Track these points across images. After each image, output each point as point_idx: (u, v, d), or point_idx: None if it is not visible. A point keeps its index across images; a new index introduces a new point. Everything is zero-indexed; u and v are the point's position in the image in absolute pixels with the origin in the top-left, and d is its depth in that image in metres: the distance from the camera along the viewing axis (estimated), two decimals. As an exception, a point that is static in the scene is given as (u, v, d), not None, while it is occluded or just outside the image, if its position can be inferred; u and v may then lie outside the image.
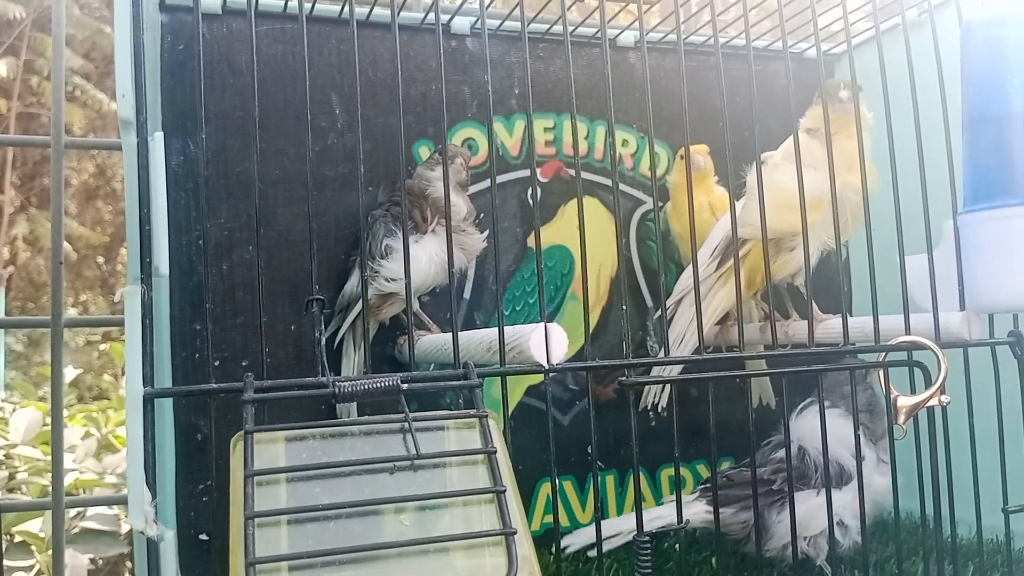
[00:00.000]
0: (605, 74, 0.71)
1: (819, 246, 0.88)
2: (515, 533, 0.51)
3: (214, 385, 0.57)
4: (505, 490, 0.52)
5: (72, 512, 1.94)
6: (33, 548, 1.84)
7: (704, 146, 1.04)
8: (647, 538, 0.62)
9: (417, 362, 0.90)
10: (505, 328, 0.65)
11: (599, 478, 1.06)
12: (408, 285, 0.63)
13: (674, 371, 0.91)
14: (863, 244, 0.80)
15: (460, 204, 0.93)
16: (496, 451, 0.54)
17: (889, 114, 0.76)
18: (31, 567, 1.84)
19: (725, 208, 0.98)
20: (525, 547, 0.51)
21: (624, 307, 0.68)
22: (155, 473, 0.56)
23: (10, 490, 2.00)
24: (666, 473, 1.10)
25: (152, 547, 0.55)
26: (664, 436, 1.06)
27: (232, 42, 0.94)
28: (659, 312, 1.05)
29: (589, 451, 1.06)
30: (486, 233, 0.94)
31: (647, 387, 1.01)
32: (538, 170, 1.07)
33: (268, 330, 0.92)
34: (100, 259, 7.73)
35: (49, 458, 2.13)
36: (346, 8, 0.94)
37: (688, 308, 0.98)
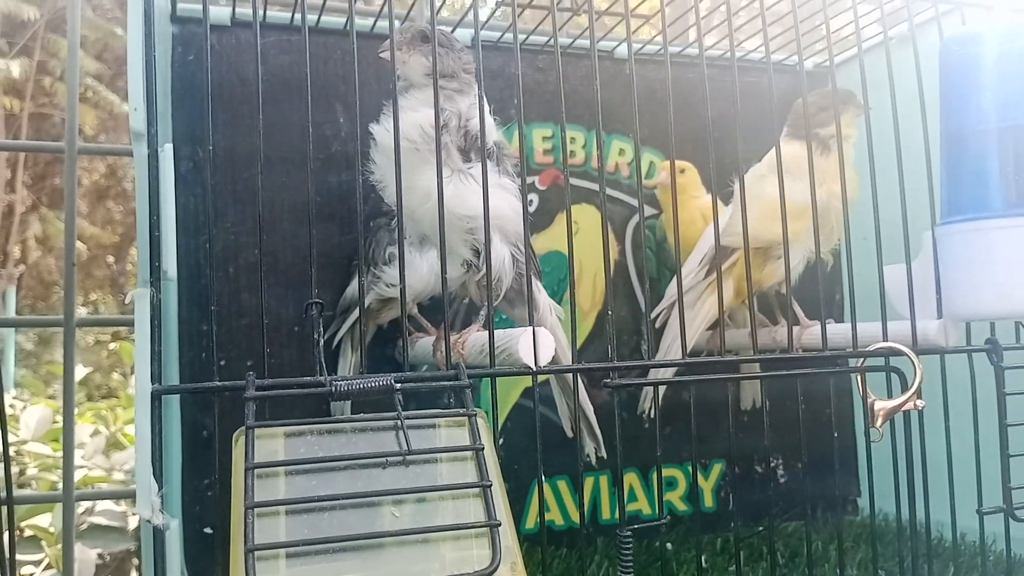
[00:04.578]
0: (595, 88, 0.74)
1: (806, 254, 0.91)
2: (499, 525, 0.54)
3: (218, 383, 0.60)
4: (491, 484, 0.55)
5: (81, 508, 1.98)
6: (43, 542, 1.88)
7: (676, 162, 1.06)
8: (629, 533, 0.65)
9: (416, 364, 0.93)
10: (496, 331, 0.68)
11: (594, 479, 1.09)
12: (403, 291, 0.66)
13: (669, 376, 0.94)
14: (853, 253, 0.82)
15: None
16: (483, 448, 0.57)
17: (870, 129, 0.79)
18: (40, 561, 1.88)
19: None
20: (509, 538, 0.54)
21: (609, 312, 0.71)
22: (162, 467, 0.59)
23: (20, 485, 2.04)
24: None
25: (158, 536, 0.58)
26: (655, 439, 1.09)
27: (240, 53, 0.98)
28: (656, 312, 1.08)
29: (585, 452, 1.09)
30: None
31: (643, 393, 1.04)
32: (536, 178, 1.11)
33: (273, 332, 0.96)
34: (110, 258, 7.80)
35: (58, 454, 2.17)
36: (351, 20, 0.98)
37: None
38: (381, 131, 0.80)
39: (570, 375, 0.74)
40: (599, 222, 1.12)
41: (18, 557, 1.83)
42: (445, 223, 0.68)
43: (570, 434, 0.96)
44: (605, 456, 0.94)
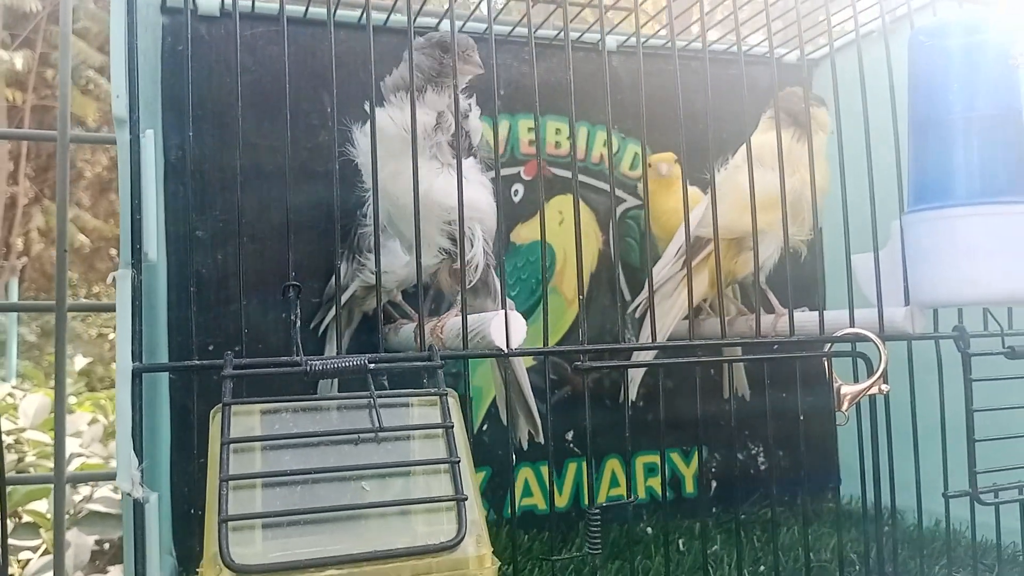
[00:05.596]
0: (568, 78, 0.76)
1: (780, 244, 0.93)
2: (466, 499, 0.55)
3: (196, 361, 0.62)
4: (459, 460, 0.57)
5: (79, 496, 2.01)
6: (40, 529, 1.90)
7: (670, 154, 1.08)
8: (596, 511, 0.67)
9: (399, 350, 0.95)
10: (469, 316, 0.70)
11: (576, 465, 1.11)
12: (378, 275, 0.68)
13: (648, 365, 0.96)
14: (829, 242, 0.84)
15: None
16: (453, 426, 0.59)
17: (840, 121, 0.80)
18: (37, 547, 1.90)
19: (695, 206, 1.02)
20: (475, 512, 0.56)
21: (581, 296, 0.73)
22: (142, 444, 0.61)
23: (19, 472, 2.06)
24: (641, 461, 1.14)
25: (138, 509, 0.60)
26: (638, 425, 1.11)
27: (229, 43, 0.98)
28: (634, 305, 1.10)
29: (567, 438, 1.11)
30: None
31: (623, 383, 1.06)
32: (522, 168, 1.13)
33: (260, 318, 0.97)
34: (112, 251, 7.81)
35: (56, 442, 2.20)
36: (339, 12, 0.99)
37: (660, 302, 1.03)
38: (383, 117, 0.81)
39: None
40: (583, 212, 1.15)
41: (16, 543, 1.86)
42: (427, 212, 0.70)
43: (505, 423, 0.98)
44: (541, 442, 0.96)
